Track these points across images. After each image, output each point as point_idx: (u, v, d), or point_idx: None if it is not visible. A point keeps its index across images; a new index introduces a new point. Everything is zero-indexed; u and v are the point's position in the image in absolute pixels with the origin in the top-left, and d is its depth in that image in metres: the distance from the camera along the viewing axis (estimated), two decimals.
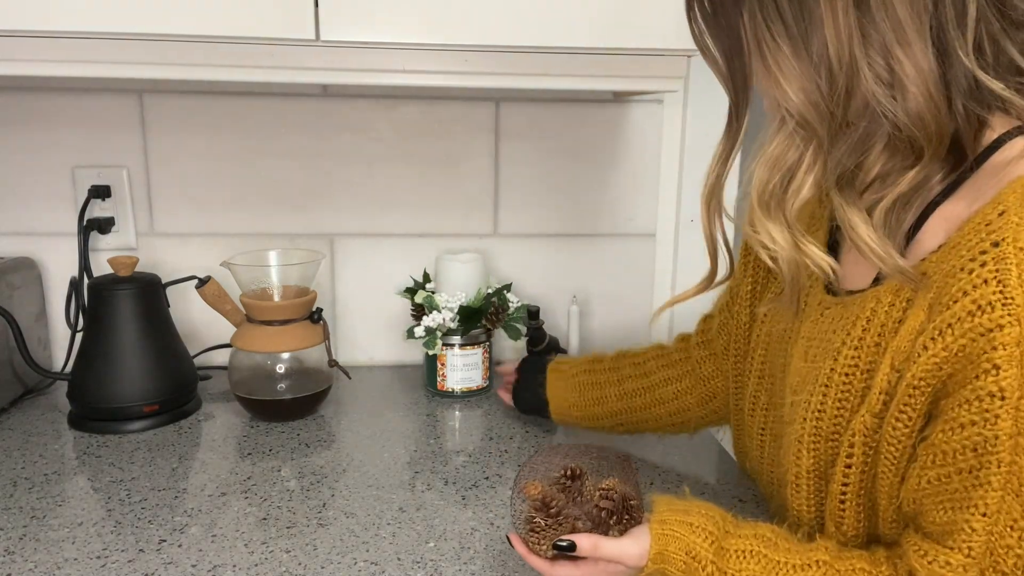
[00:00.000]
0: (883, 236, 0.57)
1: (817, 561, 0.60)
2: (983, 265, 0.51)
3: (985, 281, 0.50)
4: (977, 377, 0.50)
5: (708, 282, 0.74)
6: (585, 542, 0.65)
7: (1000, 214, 0.52)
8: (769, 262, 0.63)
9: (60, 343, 1.25)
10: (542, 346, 1.17)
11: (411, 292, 1.23)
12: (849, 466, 0.61)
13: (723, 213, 0.68)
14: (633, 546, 0.65)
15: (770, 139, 0.60)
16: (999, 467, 0.50)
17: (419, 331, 1.17)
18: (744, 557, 0.61)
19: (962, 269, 0.52)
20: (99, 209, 1.22)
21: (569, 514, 0.69)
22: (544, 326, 1.18)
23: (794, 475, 0.66)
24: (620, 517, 0.68)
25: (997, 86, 0.54)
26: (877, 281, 0.62)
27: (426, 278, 1.26)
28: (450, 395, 1.20)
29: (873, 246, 0.57)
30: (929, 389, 0.54)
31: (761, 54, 0.58)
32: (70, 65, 0.87)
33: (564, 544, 0.65)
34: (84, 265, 1.17)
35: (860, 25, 0.54)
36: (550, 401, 1.00)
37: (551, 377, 1.01)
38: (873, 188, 0.59)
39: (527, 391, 1.04)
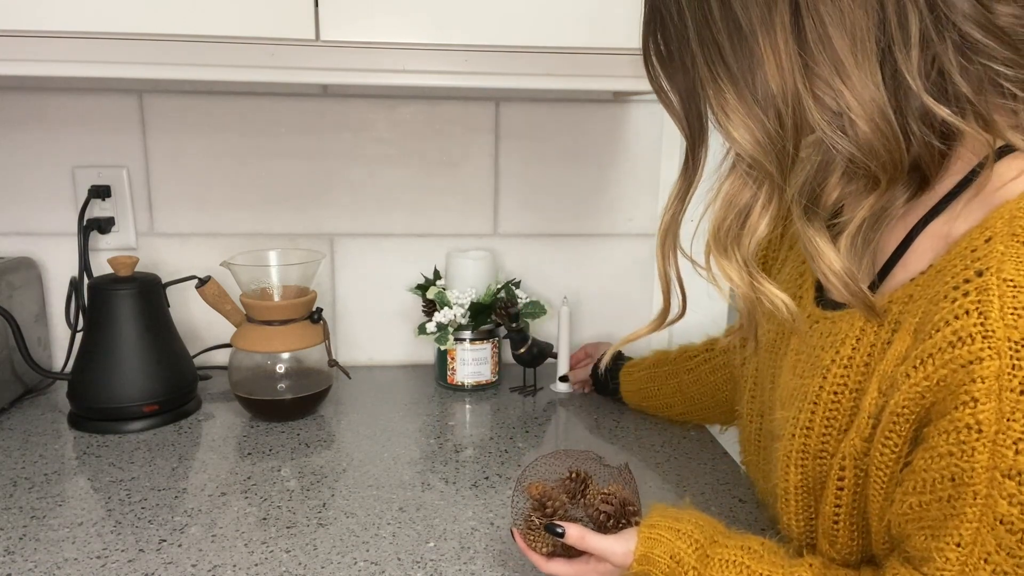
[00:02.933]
0: (849, 265, 0.57)
1: None
2: (965, 295, 0.50)
3: (967, 312, 0.50)
4: (956, 408, 0.50)
5: (660, 320, 0.73)
6: (574, 531, 0.69)
7: (987, 240, 0.51)
8: (727, 298, 0.63)
9: (60, 343, 1.25)
10: (524, 349, 1.18)
11: (422, 289, 1.25)
12: (841, 488, 0.61)
13: (678, 251, 0.68)
14: (619, 544, 0.67)
15: (725, 178, 0.60)
16: (975, 499, 0.50)
17: (431, 327, 1.20)
18: (726, 566, 0.62)
19: (945, 297, 0.52)
20: (99, 209, 1.22)
21: (567, 515, 0.71)
22: (527, 329, 1.19)
23: (783, 490, 0.66)
24: (618, 521, 0.70)
25: (944, 112, 0.53)
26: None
27: (436, 275, 1.27)
28: (460, 389, 1.22)
29: (837, 274, 0.57)
30: (912, 416, 0.54)
31: (707, 98, 0.58)
32: (70, 65, 0.87)
33: (556, 529, 0.69)
34: (84, 265, 1.17)
35: (801, 60, 0.53)
36: (623, 392, 1.14)
37: (623, 380, 1.13)
38: (835, 214, 0.59)
39: (605, 390, 1.18)
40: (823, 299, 0.68)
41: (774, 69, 0.54)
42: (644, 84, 0.97)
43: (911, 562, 0.55)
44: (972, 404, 0.49)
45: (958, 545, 0.51)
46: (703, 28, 0.56)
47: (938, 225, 0.57)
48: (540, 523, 0.71)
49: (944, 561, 0.52)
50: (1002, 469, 0.48)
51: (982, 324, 0.49)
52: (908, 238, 0.59)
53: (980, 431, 0.49)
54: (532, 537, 0.72)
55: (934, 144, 0.55)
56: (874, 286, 0.61)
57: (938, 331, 0.51)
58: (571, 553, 0.71)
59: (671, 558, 0.64)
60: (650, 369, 1.09)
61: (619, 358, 1.16)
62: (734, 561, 0.62)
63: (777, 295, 0.60)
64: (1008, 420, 0.48)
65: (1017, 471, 0.48)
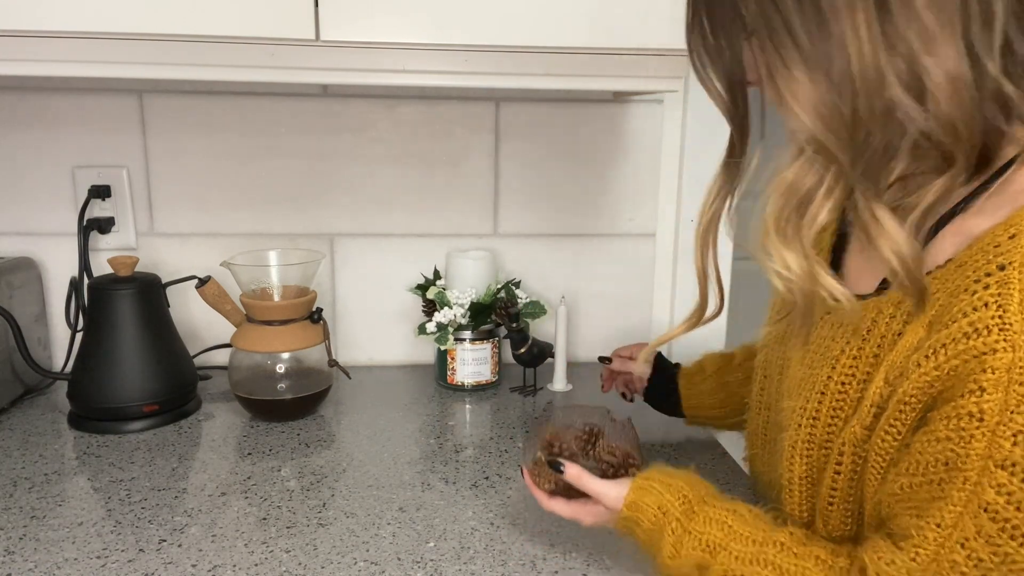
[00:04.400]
0: (915, 246, 0.55)
1: (778, 542, 0.62)
2: (986, 288, 0.50)
3: (986, 304, 0.50)
4: (962, 395, 0.50)
5: (697, 318, 0.72)
6: (572, 469, 0.72)
7: (1011, 237, 0.51)
8: (782, 289, 0.60)
9: (60, 343, 1.25)
10: (524, 349, 1.18)
11: (422, 288, 1.25)
12: (838, 472, 0.61)
13: (717, 247, 0.66)
14: (613, 489, 0.70)
15: (787, 165, 0.57)
16: (964, 484, 0.50)
17: (431, 327, 1.20)
18: (710, 522, 0.65)
19: (965, 290, 0.52)
20: (99, 209, 1.22)
21: (574, 460, 0.75)
22: (527, 329, 1.19)
23: (787, 480, 0.66)
24: (618, 472, 0.75)
25: (1015, 92, 0.52)
26: (881, 289, 0.62)
27: (436, 275, 1.27)
28: (460, 388, 1.23)
29: (901, 255, 0.54)
30: (920, 405, 0.54)
31: (773, 82, 0.55)
32: (70, 65, 0.87)
33: (558, 465, 0.73)
34: (84, 265, 1.17)
35: (884, 35, 0.52)
36: (685, 410, 0.99)
37: (683, 386, 0.99)
38: (891, 193, 0.56)
39: (660, 398, 1.03)
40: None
41: (855, 48, 0.52)
42: (644, 84, 0.98)
43: (892, 538, 0.56)
44: (979, 393, 0.49)
45: (938, 526, 0.52)
46: (769, 10, 0.54)
47: (962, 220, 0.57)
48: (545, 460, 0.75)
49: (922, 539, 0.52)
50: (996, 459, 0.49)
51: (1000, 317, 0.49)
52: (931, 231, 0.58)
53: (982, 420, 0.49)
54: (537, 473, 0.76)
55: (1002, 127, 0.54)
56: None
57: (955, 322, 0.51)
58: (572, 495, 0.74)
59: (658, 508, 0.67)
60: (715, 378, 0.97)
61: (661, 368, 1.03)
62: (718, 520, 0.65)
63: (836, 287, 0.57)
64: (1012, 412, 0.48)
65: (1011, 462, 0.48)
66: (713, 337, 1.14)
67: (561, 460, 0.73)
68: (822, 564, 0.60)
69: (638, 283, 1.36)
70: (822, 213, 0.56)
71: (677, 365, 1.01)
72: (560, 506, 0.74)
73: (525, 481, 0.77)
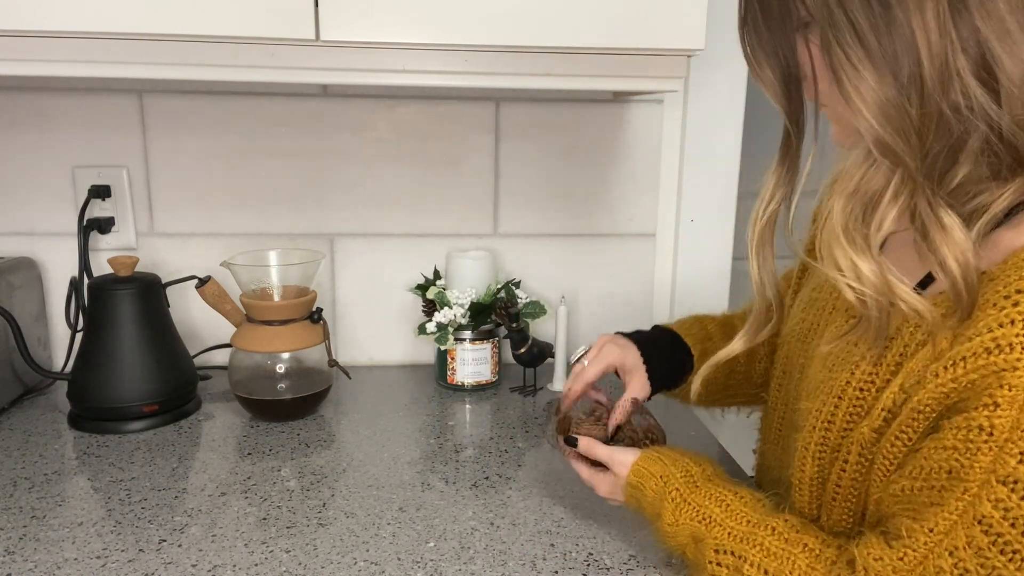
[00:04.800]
0: (975, 254, 0.53)
1: (771, 526, 0.63)
2: (1015, 305, 0.49)
3: (1012, 321, 0.49)
4: (976, 408, 0.50)
5: (756, 330, 0.70)
6: (583, 442, 0.78)
7: None
8: (854, 301, 0.57)
9: (60, 343, 1.25)
10: (524, 349, 1.18)
11: (422, 288, 1.25)
12: (843, 470, 0.61)
13: (774, 255, 0.64)
14: (621, 455, 0.74)
15: (850, 168, 0.56)
16: (963, 494, 0.50)
17: (431, 327, 1.20)
18: (710, 498, 0.67)
19: (994, 305, 0.51)
20: (99, 209, 1.22)
21: (590, 432, 0.81)
22: (527, 329, 1.19)
23: (797, 479, 0.66)
24: (635, 445, 0.78)
25: None
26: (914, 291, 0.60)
27: (436, 275, 1.27)
28: (460, 389, 1.23)
29: (962, 262, 0.52)
30: (933, 415, 0.54)
31: (838, 82, 0.53)
32: (70, 65, 0.87)
33: (572, 438, 0.79)
34: (84, 265, 1.17)
35: (957, 32, 0.50)
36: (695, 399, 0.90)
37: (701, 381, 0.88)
38: (952, 197, 0.54)
39: (662, 368, 0.90)
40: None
41: (925, 47, 0.50)
42: (644, 84, 0.99)
43: (885, 536, 0.56)
44: (992, 407, 0.49)
45: (931, 531, 0.52)
46: (835, 7, 0.52)
47: (1001, 233, 0.55)
48: (563, 423, 0.82)
49: (913, 541, 0.53)
50: (999, 474, 0.49)
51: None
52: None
53: (991, 434, 0.49)
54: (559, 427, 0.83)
55: None
56: (924, 285, 0.60)
57: (978, 336, 0.51)
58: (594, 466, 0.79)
59: (661, 477, 0.70)
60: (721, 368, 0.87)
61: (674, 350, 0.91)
62: (718, 497, 0.67)
63: (915, 299, 0.54)
64: (1022, 431, 0.48)
65: (1014, 479, 0.48)
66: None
67: (574, 436, 0.79)
68: (809, 552, 0.60)
69: (638, 283, 1.36)
70: (888, 218, 0.54)
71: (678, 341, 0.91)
72: (582, 468, 0.79)
73: (579, 439, 0.79)
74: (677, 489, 0.69)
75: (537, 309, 1.23)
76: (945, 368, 0.52)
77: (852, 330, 0.61)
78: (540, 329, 1.29)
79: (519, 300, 1.22)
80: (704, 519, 0.66)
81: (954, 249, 0.52)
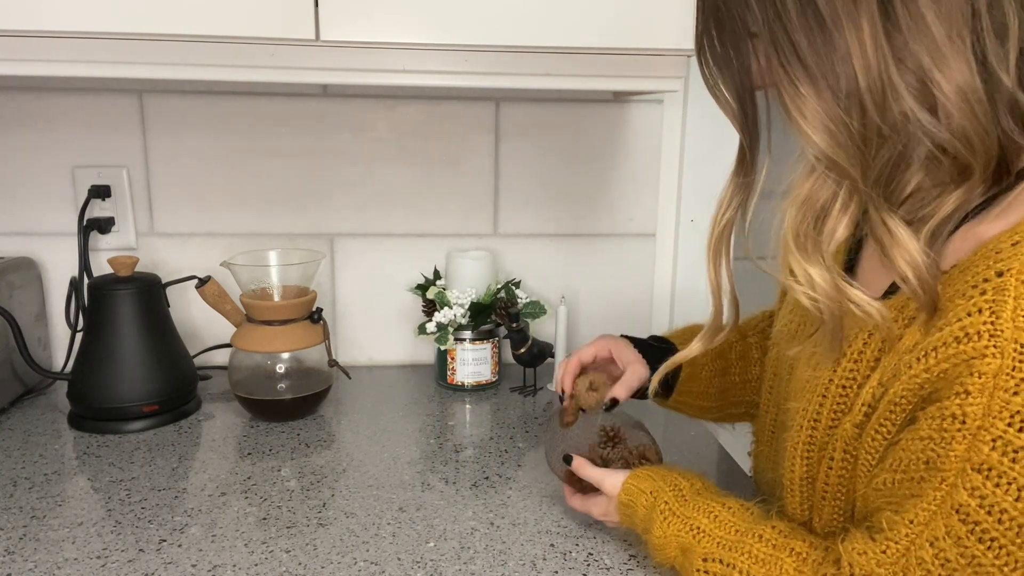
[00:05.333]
0: (928, 258, 0.54)
1: (759, 533, 0.64)
2: (982, 293, 0.50)
3: (979, 310, 0.50)
4: (948, 397, 0.50)
5: (713, 334, 0.71)
6: (577, 461, 0.79)
7: (1014, 244, 0.51)
8: (809, 306, 0.59)
9: (60, 343, 1.25)
10: (524, 349, 1.18)
11: (422, 288, 1.25)
12: (830, 468, 0.62)
13: (730, 260, 0.66)
14: (612, 477, 0.76)
15: (800, 180, 0.57)
16: (941, 484, 0.51)
17: (431, 327, 1.20)
18: (699, 510, 0.68)
19: (963, 295, 0.52)
20: (99, 209, 1.22)
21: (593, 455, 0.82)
22: (527, 329, 1.19)
23: (788, 480, 0.67)
24: (629, 466, 0.79)
25: None
26: (888, 294, 0.61)
27: (436, 275, 1.27)
28: (460, 388, 1.23)
29: (915, 266, 0.54)
30: (909, 407, 0.54)
31: (780, 98, 0.55)
32: (70, 65, 0.87)
33: (568, 457, 0.80)
34: (84, 265, 1.17)
35: (891, 50, 0.51)
36: (678, 394, 0.90)
37: (683, 390, 0.90)
38: (908, 205, 0.56)
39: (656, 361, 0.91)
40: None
41: (861, 63, 0.51)
42: (644, 84, 0.98)
43: (869, 531, 0.57)
44: (964, 396, 0.49)
45: (911, 523, 0.52)
46: (775, 26, 0.54)
47: (973, 226, 0.56)
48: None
49: (895, 534, 0.53)
50: (974, 462, 0.49)
51: (992, 323, 0.49)
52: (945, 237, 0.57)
53: (964, 422, 0.49)
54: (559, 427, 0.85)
55: (1017, 139, 0.53)
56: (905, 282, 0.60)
57: (948, 326, 0.51)
58: (587, 490, 0.80)
59: (650, 493, 0.71)
60: (711, 371, 0.90)
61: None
62: (707, 509, 0.68)
63: (866, 300, 0.56)
64: (993, 418, 0.48)
65: (988, 466, 0.49)
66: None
67: (570, 455, 0.80)
68: (796, 556, 0.61)
69: (638, 283, 1.36)
70: (840, 227, 0.56)
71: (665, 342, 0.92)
72: (576, 502, 0.81)
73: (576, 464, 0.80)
74: (666, 502, 0.69)
75: (537, 309, 1.23)
76: (918, 359, 0.53)
77: (814, 334, 0.64)
78: (540, 329, 1.29)
79: (519, 300, 1.22)
80: (692, 530, 0.67)
81: (904, 254, 0.54)
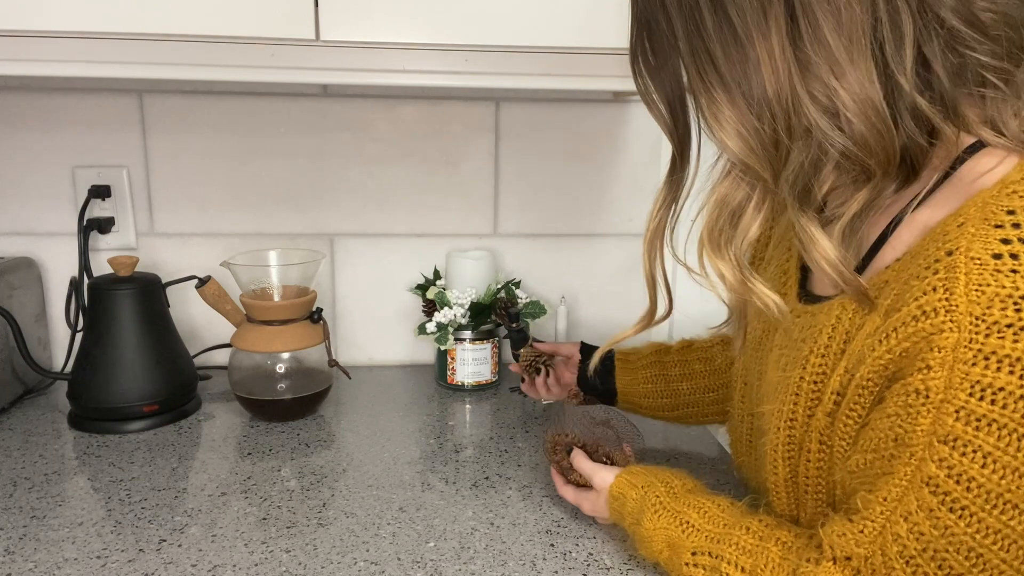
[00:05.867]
0: (843, 253, 0.58)
1: (746, 526, 0.65)
2: (935, 273, 0.52)
3: (934, 288, 0.51)
4: (911, 373, 0.52)
5: (647, 321, 0.77)
6: (575, 453, 0.83)
7: (959, 225, 0.53)
8: (724, 297, 0.65)
9: (60, 343, 1.25)
10: (524, 349, 1.17)
11: (422, 288, 1.25)
12: (808, 460, 0.63)
13: (667, 253, 0.71)
14: (603, 472, 0.78)
15: (719, 180, 0.61)
16: (910, 459, 0.52)
17: (431, 327, 1.20)
18: (688, 506, 0.69)
19: (917, 277, 0.53)
20: (99, 209, 1.22)
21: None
22: (527, 328, 1.19)
23: (772, 483, 0.68)
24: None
25: (928, 108, 0.54)
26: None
27: (436, 275, 1.27)
28: (460, 388, 1.23)
29: (831, 262, 0.58)
30: (876, 388, 0.56)
31: (698, 104, 0.59)
32: (70, 65, 0.87)
33: (567, 449, 0.84)
34: (84, 265, 1.17)
35: (797, 62, 0.54)
36: (619, 392, 1.01)
37: (619, 367, 1.01)
38: (828, 205, 0.60)
39: (592, 380, 1.02)
40: (806, 294, 0.70)
41: (769, 72, 0.55)
42: None
43: (847, 513, 0.58)
44: (926, 371, 0.51)
45: (885, 500, 0.54)
46: (694, 37, 0.57)
47: (918, 215, 0.58)
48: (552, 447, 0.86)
49: (870, 512, 0.55)
50: (940, 435, 0.50)
51: (947, 299, 0.50)
52: (889, 228, 0.60)
53: (927, 397, 0.51)
54: (553, 458, 0.86)
55: (922, 138, 0.56)
56: (858, 272, 0.63)
57: (905, 307, 0.53)
58: (580, 484, 0.82)
59: (642, 487, 0.73)
60: (652, 357, 0.99)
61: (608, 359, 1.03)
62: (696, 505, 0.69)
63: (768, 294, 0.61)
64: (955, 389, 0.49)
65: (953, 437, 0.50)
66: (658, 338, 1.13)
67: (572, 445, 0.83)
68: (782, 545, 0.62)
69: (638, 283, 1.36)
70: (754, 226, 0.60)
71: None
72: (569, 493, 0.83)
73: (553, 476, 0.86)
74: (657, 496, 0.71)
75: (537, 309, 1.23)
76: (880, 341, 0.55)
77: (724, 324, 0.75)
78: (540, 329, 1.29)
79: (519, 300, 1.22)
80: (682, 524, 0.68)
81: (820, 251, 0.58)
